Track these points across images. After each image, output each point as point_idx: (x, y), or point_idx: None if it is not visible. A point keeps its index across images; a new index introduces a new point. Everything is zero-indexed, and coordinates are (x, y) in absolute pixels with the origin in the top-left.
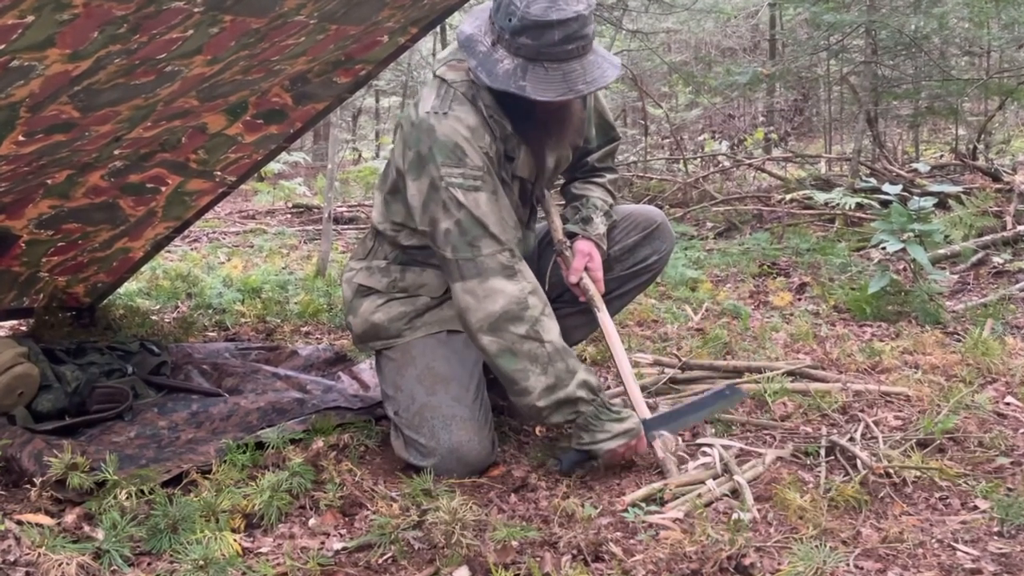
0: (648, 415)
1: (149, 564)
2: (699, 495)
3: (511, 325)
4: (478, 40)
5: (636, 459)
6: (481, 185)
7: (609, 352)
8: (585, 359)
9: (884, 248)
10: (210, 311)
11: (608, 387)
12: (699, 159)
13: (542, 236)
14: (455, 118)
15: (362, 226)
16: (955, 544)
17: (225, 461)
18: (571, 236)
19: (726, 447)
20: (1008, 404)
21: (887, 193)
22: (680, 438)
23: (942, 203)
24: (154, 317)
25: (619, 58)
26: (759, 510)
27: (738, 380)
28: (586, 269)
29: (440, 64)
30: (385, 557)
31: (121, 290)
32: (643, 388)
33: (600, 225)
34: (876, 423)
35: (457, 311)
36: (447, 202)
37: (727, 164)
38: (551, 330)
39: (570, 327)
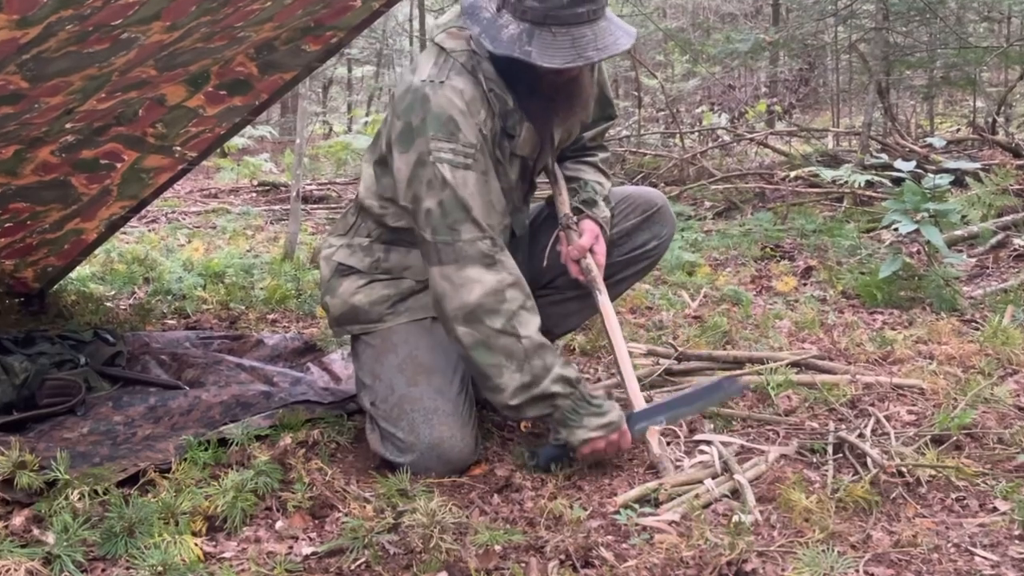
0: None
1: (103, 570)
2: (697, 496)
3: (487, 318)
4: (482, 6)
5: (620, 455)
6: (472, 164)
7: (601, 341)
8: (574, 349)
9: (896, 229)
10: (169, 297)
11: (599, 379)
12: (697, 133)
13: (536, 216)
14: (452, 88)
15: (333, 206)
16: (973, 548)
17: (185, 459)
18: (576, 214)
19: (726, 444)
20: None
21: (899, 170)
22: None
23: (959, 181)
24: (109, 304)
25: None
26: (761, 512)
27: (738, 372)
28: (590, 250)
29: (439, 31)
30: (358, 563)
31: (73, 275)
32: (638, 380)
33: (605, 208)
34: (888, 418)
35: (432, 297)
36: (432, 179)
37: (727, 139)
38: (529, 324)
39: (565, 313)
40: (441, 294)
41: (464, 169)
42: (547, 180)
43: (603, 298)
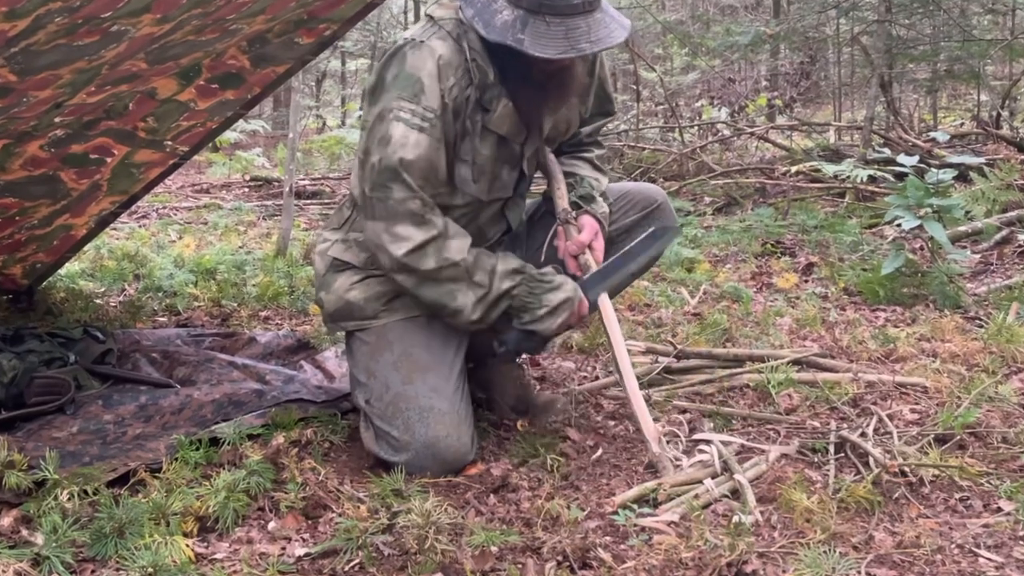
0: (649, 419)
1: (93, 571)
2: (696, 496)
3: (419, 263)
4: None
5: (585, 326)
6: (427, 128)
7: (600, 339)
8: (572, 347)
9: (899, 225)
10: (160, 294)
11: (597, 377)
12: (696, 127)
13: (532, 211)
14: (429, 50)
15: (327, 201)
16: (977, 549)
17: (176, 459)
18: (574, 209)
19: (726, 443)
20: None
21: (902, 165)
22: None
23: (963, 176)
24: (99, 301)
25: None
26: (762, 512)
27: (739, 370)
28: (589, 246)
29: (432, 3)
30: (352, 564)
31: (62, 271)
32: (636, 378)
33: (604, 205)
34: (890, 417)
35: (369, 246)
36: (384, 136)
37: (727, 133)
38: (459, 248)
39: None
40: (375, 247)
41: (418, 131)
42: (543, 175)
43: (602, 295)
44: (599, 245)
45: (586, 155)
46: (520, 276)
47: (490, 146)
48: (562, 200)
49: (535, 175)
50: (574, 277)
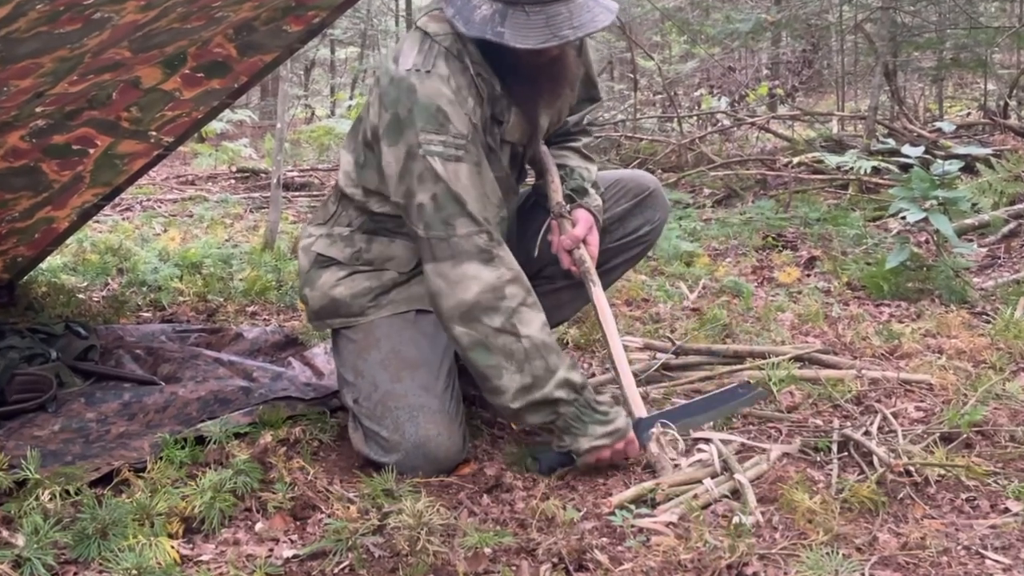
0: (643, 410)
1: (76, 574)
2: (695, 496)
3: (485, 316)
4: None
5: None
6: (464, 156)
7: (596, 335)
8: (567, 343)
9: (904, 218)
10: (144, 289)
11: (593, 374)
12: (695, 117)
13: (522, 203)
14: (439, 77)
15: (316, 193)
16: (983, 551)
17: (161, 458)
18: (567, 202)
19: (725, 442)
20: None
21: (907, 156)
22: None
23: (969, 167)
24: (81, 295)
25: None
26: (763, 513)
27: (739, 367)
28: (583, 241)
29: (422, 14)
30: (341, 566)
31: (44, 265)
32: (633, 375)
33: (597, 198)
34: (895, 415)
35: (428, 295)
36: (424, 173)
37: (727, 123)
38: (531, 323)
39: (556, 304)
40: (437, 292)
41: (456, 162)
42: (533, 167)
43: (597, 290)
44: (594, 239)
45: (574, 144)
46: (575, 395)
47: (507, 156)
48: (556, 193)
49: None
50: (569, 273)
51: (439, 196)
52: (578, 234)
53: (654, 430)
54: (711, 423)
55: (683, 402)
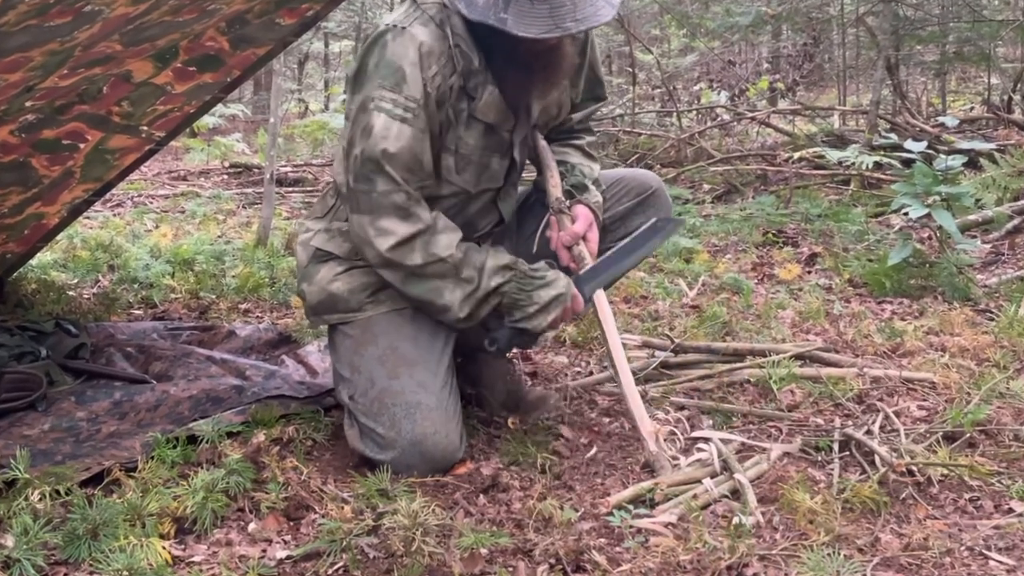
0: (645, 416)
1: (66, 574)
2: (695, 496)
3: (405, 258)
4: None
5: (578, 320)
6: (410, 119)
7: (594, 333)
8: (565, 340)
9: (906, 214)
10: (135, 286)
11: (591, 372)
12: (695, 112)
13: (523, 200)
14: (411, 37)
15: (309, 189)
16: (987, 552)
17: (152, 457)
18: (567, 198)
19: (725, 441)
20: None
21: (910, 151)
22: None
23: (972, 162)
24: (71, 293)
25: None
26: (763, 513)
27: (739, 365)
28: (583, 237)
29: None
30: (335, 567)
31: (34, 262)
32: (632, 373)
33: (597, 194)
34: (897, 414)
35: (354, 243)
36: (366, 127)
37: (727, 118)
38: (448, 244)
39: None
40: (360, 241)
41: (400, 122)
42: (534, 163)
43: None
44: (593, 236)
45: (576, 142)
46: (510, 272)
47: (476, 135)
48: (555, 189)
49: (525, 163)
50: (567, 271)
51: (366, 151)
52: (577, 230)
53: (595, 281)
54: (701, 414)
55: (611, 251)
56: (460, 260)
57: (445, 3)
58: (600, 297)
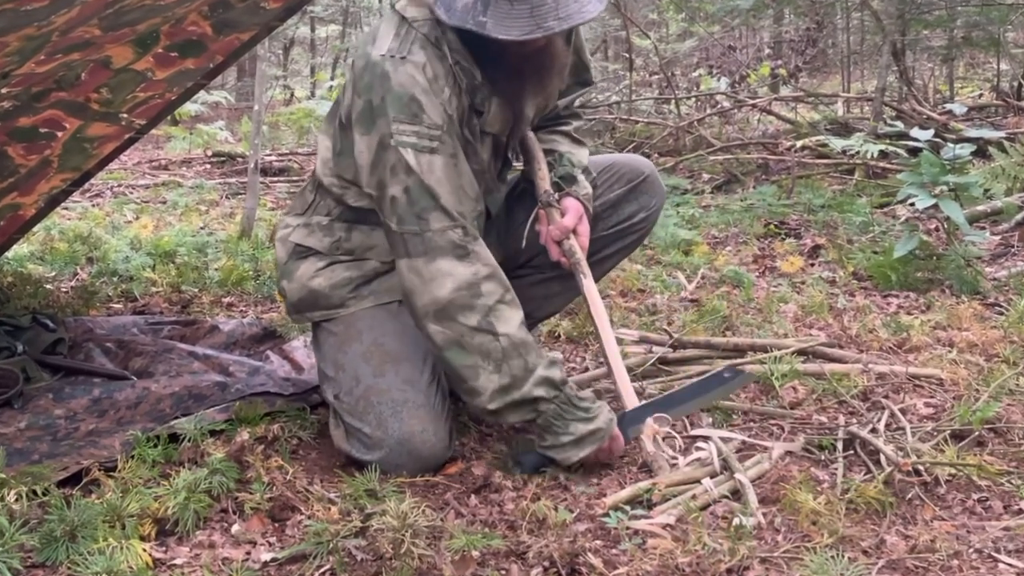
0: (636, 404)
1: None
2: (694, 496)
3: (460, 315)
4: None
5: (612, 460)
6: (438, 147)
7: (588, 327)
8: (559, 336)
9: (912, 204)
10: (115, 279)
11: (587, 368)
12: (694, 99)
13: (510, 190)
14: (414, 64)
15: (295, 178)
16: (996, 554)
17: (132, 456)
18: (556, 190)
19: (725, 440)
20: None
21: (916, 139)
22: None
23: (981, 151)
24: (49, 286)
25: None
26: (764, 514)
27: (740, 360)
28: (573, 231)
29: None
30: (322, 570)
31: (9, 254)
32: (628, 370)
33: (587, 184)
34: (903, 411)
35: (402, 292)
36: (396, 165)
37: (727, 105)
38: (509, 321)
39: (546, 295)
40: (410, 289)
41: (430, 153)
42: (521, 154)
43: (588, 282)
44: (583, 229)
45: (564, 128)
46: (555, 393)
47: (488, 149)
48: (543, 182)
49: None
50: (557, 262)
51: (412, 189)
52: (567, 224)
53: (641, 425)
54: (698, 411)
55: (669, 391)
56: (511, 347)
57: (438, 19)
58: (592, 291)
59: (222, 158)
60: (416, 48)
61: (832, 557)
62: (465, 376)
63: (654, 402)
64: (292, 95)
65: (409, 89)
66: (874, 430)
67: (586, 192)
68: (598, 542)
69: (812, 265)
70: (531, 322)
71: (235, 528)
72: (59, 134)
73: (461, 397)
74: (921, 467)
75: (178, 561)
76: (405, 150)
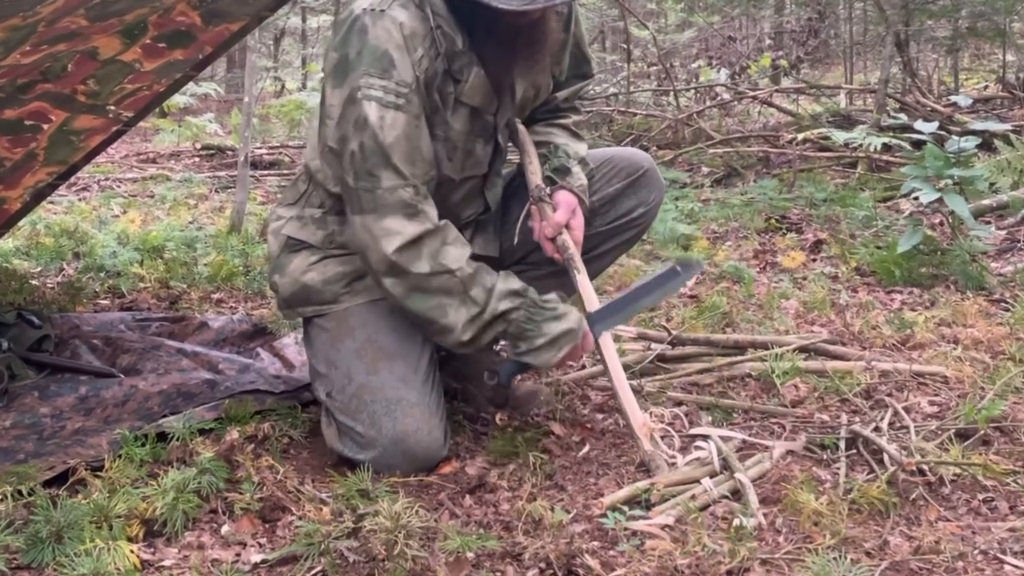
0: (636, 407)
1: None
2: (693, 497)
3: (411, 265)
4: None
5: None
6: (403, 105)
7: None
8: None
9: (916, 198)
10: (102, 274)
11: (584, 366)
12: (693, 91)
13: (506, 185)
14: (391, 20)
15: (285, 172)
16: (1002, 555)
17: (120, 456)
18: (549, 184)
19: (725, 439)
20: None
21: (920, 132)
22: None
23: (987, 144)
24: (34, 282)
25: None
26: (765, 515)
27: (740, 358)
28: (566, 226)
29: None
30: (313, 571)
31: None
32: (625, 367)
33: (581, 176)
34: (907, 410)
35: (356, 248)
36: (359, 118)
37: (727, 97)
38: (458, 257)
39: (543, 291)
40: (363, 245)
41: (394, 109)
42: (516, 147)
43: (582, 278)
44: (577, 224)
45: (562, 121)
46: (520, 299)
47: (462, 120)
48: (534, 176)
49: (509, 148)
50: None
51: (366, 145)
52: (559, 220)
53: (606, 322)
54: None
55: (626, 291)
56: (469, 277)
57: None
58: (586, 287)
59: (211, 151)
60: (396, 6)
61: (834, 559)
62: (434, 317)
63: (614, 302)
64: (283, 87)
65: (383, 44)
66: (877, 429)
67: (580, 183)
68: (595, 543)
69: (814, 260)
70: None
71: (225, 529)
72: (45, 127)
73: (433, 340)
74: (925, 467)
75: (166, 563)
76: (370, 103)
